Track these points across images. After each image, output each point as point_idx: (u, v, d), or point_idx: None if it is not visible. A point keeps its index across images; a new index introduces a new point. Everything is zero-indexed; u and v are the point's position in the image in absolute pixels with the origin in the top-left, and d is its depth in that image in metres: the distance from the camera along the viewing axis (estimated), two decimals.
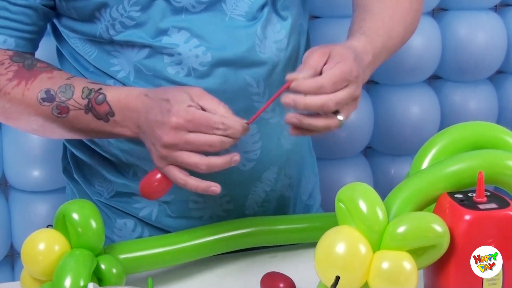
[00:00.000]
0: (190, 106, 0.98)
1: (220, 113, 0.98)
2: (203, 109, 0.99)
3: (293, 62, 1.15)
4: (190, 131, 0.98)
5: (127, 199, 1.18)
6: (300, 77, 0.97)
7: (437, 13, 1.84)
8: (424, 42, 1.77)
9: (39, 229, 0.99)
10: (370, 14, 1.13)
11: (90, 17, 1.09)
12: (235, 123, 0.98)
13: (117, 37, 1.08)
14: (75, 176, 1.24)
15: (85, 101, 1.05)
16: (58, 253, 0.95)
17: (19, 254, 1.29)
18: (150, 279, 0.95)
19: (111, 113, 1.05)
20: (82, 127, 1.07)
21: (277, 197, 1.20)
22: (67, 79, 1.07)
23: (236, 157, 1.00)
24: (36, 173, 1.61)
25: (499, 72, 1.90)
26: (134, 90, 1.05)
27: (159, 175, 1.02)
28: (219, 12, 1.09)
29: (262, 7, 1.10)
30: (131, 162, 1.14)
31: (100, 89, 1.05)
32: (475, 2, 1.80)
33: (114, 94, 1.05)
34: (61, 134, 1.12)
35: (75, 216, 0.96)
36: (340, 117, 0.99)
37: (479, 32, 1.80)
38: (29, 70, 1.08)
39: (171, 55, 1.07)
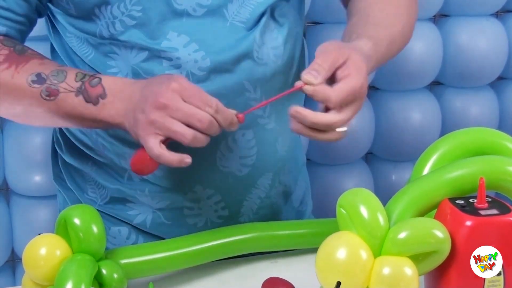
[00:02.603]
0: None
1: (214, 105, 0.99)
2: None
3: (289, 68, 1.15)
4: (184, 100, 0.98)
5: (121, 206, 1.17)
6: (316, 83, 0.98)
7: (438, 19, 1.84)
8: (425, 48, 1.78)
9: (41, 234, 0.99)
10: (372, 22, 1.14)
11: (89, 14, 1.08)
12: (227, 110, 0.99)
13: (117, 37, 1.08)
14: (68, 184, 1.23)
15: (78, 84, 1.04)
16: (60, 258, 0.95)
17: (20, 259, 1.29)
18: (152, 284, 0.95)
19: (103, 95, 1.03)
20: (68, 110, 1.05)
21: (270, 204, 1.20)
22: (58, 65, 1.07)
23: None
24: (37, 178, 1.62)
25: (500, 78, 1.90)
26: (126, 79, 1.07)
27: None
28: (220, 17, 1.09)
29: (262, 14, 1.11)
30: (126, 166, 1.14)
31: (95, 74, 1.06)
32: (476, 8, 1.80)
33: (110, 79, 1.05)
34: (43, 120, 1.11)
35: (77, 221, 0.96)
36: (340, 129, 1.00)
37: (480, 38, 1.81)
38: (20, 54, 1.08)
39: (169, 59, 1.08)
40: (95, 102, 1.04)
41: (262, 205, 1.19)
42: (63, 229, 0.97)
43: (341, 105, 0.98)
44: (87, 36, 1.11)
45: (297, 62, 1.18)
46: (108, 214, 1.19)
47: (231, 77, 1.09)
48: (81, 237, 0.96)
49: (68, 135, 1.20)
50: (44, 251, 0.96)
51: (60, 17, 1.13)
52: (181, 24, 1.08)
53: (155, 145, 0.99)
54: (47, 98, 1.05)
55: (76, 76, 1.05)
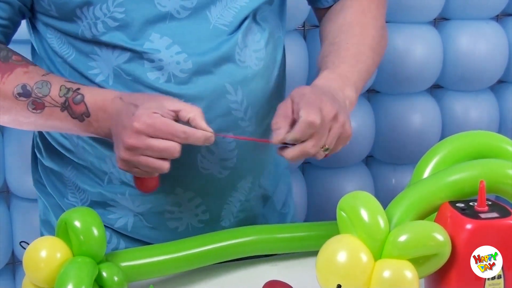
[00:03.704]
0: (154, 112, 0.99)
1: (192, 117, 0.99)
2: (176, 115, 1.00)
3: (270, 71, 1.16)
4: (151, 136, 0.98)
5: (101, 210, 1.16)
6: (286, 138, 1.00)
7: (439, 22, 1.84)
8: (426, 51, 1.78)
9: (41, 237, 0.99)
10: (335, 46, 1.17)
11: (71, 15, 1.08)
12: (197, 132, 0.99)
13: (99, 38, 1.08)
14: (48, 189, 1.23)
15: (62, 99, 1.05)
16: (60, 261, 0.95)
17: (20, 261, 1.29)
18: (152, 286, 0.95)
19: (87, 114, 1.05)
20: (55, 123, 1.07)
21: (250, 207, 1.20)
22: (43, 75, 1.07)
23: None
24: None
25: (501, 81, 1.90)
26: (110, 93, 1.06)
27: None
28: (203, 20, 1.09)
29: (245, 17, 1.11)
30: (106, 169, 1.14)
31: (78, 89, 1.05)
32: (476, 11, 1.80)
33: (91, 95, 1.05)
34: (33, 128, 1.13)
35: (77, 223, 0.96)
36: (324, 151, 1.04)
37: (481, 42, 1.81)
38: (4, 62, 1.08)
39: (152, 60, 1.08)
40: (80, 119, 1.05)
41: (242, 208, 1.19)
42: (63, 232, 0.97)
43: (305, 137, 1.00)
44: (68, 37, 1.10)
45: (278, 66, 1.18)
46: None
47: (212, 79, 1.09)
48: (82, 240, 0.96)
49: (49, 139, 1.19)
50: (44, 253, 0.96)
51: (41, 18, 1.12)
52: (164, 26, 1.08)
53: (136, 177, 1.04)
54: (34, 111, 1.06)
55: (60, 90, 1.06)
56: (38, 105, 1.06)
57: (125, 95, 1.04)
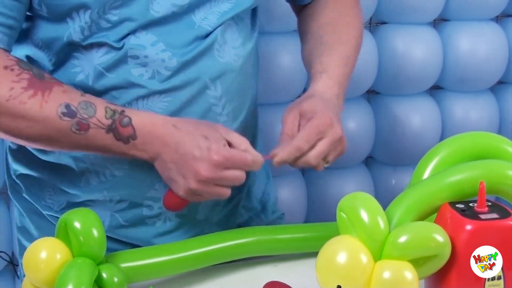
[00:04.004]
0: (225, 145, 1.06)
1: (243, 148, 1.07)
2: (229, 144, 1.07)
3: (249, 69, 1.18)
4: (226, 168, 1.05)
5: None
6: (279, 154, 1.09)
7: (439, 23, 1.84)
8: (426, 52, 1.78)
9: (41, 238, 0.99)
10: (326, 46, 1.22)
11: (64, 16, 1.06)
12: (258, 157, 1.07)
13: (89, 40, 1.07)
14: (23, 194, 1.22)
15: (109, 122, 1.05)
16: (60, 262, 0.95)
17: (20, 263, 1.29)
18: (152, 287, 0.95)
19: (134, 136, 1.05)
20: (97, 144, 1.06)
21: (228, 199, 1.20)
22: (81, 95, 1.06)
23: None
24: None
25: (500, 82, 1.90)
26: (158, 117, 1.07)
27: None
28: (188, 21, 1.10)
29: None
30: (83, 169, 1.13)
31: (123, 111, 1.06)
32: (476, 12, 1.80)
33: (139, 118, 1.06)
34: (67, 148, 1.09)
35: (77, 225, 0.96)
36: (324, 165, 1.13)
37: (480, 43, 1.81)
38: (40, 80, 1.05)
39: (136, 57, 1.08)
40: (126, 141, 1.05)
41: (217, 202, 1.20)
42: (63, 233, 0.97)
43: (313, 145, 1.10)
44: (52, 39, 1.09)
45: (252, 63, 1.21)
46: None
47: (193, 74, 1.10)
48: (82, 241, 0.96)
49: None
50: (44, 254, 0.96)
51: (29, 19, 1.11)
52: (150, 24, 1.09)
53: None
54: (77, 132, 1.04)
55: (106, 112, 1.05)
56: (82, 126, 1.04)
57: (177, 122, 1.07)
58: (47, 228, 1.20)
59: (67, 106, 1.04)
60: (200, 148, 1.04)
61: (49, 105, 1.03)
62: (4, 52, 1.06)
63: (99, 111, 1.04)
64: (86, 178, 1.15)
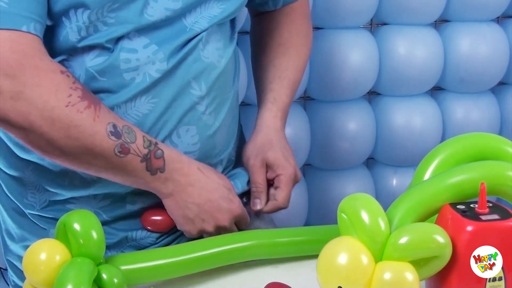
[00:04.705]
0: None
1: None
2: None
3: (231, 70, 1.21)
4: (236, 221, 1.18)
5: (60, 206, 1.16)
6: (263, 208, 1.23)
7: (439, 24, 1.84)
8: (426, 53, 1.78)
9: (40, 239, 0.99)
10: (277, 71, 1.31)
11: (59, 16, 1.05)
12: (247, 216, 1.20)
13: (84, 41, 1.07)
14: (6, 192, 1.21)
15: (146, 151, 1.06)
16: (60, 263, 0.95)
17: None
18: None
19: (162, 169, 1.08)
20: (126, 170, 1.06)
21: None
22: (121, 118, 1.07)
23: None
24: None
25: (501, 83, 1.90)
26: (184, 156, 1.12)
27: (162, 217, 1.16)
28: (179, 24, 1.11)
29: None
30: (66, 169, 1.13)
31: (157, 143, 1.08)
32: (477, 13, 1.80)
33: (169, 153, 1.09)
34: (103, 169, 1.07)
35: (76, 226, 0.96)
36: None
37: (481, 44, 1.81)
38: (89, 93, 1.04)
39: (128, 60, 1.08)
40: (154, 173, 1.08)
41: None
42: (63, 234, 0.97)
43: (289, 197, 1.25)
44: (46, 40, 1.07)
45: (234, 63, 1.23)
46: (47, 217, 1.18)
47: (180, 74, 1.11)
48: (81, 243, 0.96)
49: (5, 140, 1.17)
50: (44, 256, 0.95)
51: None
52: (144, 28, 1.09)
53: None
54: (117, 154, 1.05)
55: (144, 141, 1.07)
56: (124, 150, 1.05)
57: (202, 166, 1.14)
58: (29, 225, 1.20)
59: (115, 126, 1.04)
60: (225, 199, 1.14)
61: (100, 121, 1.03)
62: (37, 41, 1.02)
63: (139, 138, 1.06)
64: (70, 178, 1.14)
